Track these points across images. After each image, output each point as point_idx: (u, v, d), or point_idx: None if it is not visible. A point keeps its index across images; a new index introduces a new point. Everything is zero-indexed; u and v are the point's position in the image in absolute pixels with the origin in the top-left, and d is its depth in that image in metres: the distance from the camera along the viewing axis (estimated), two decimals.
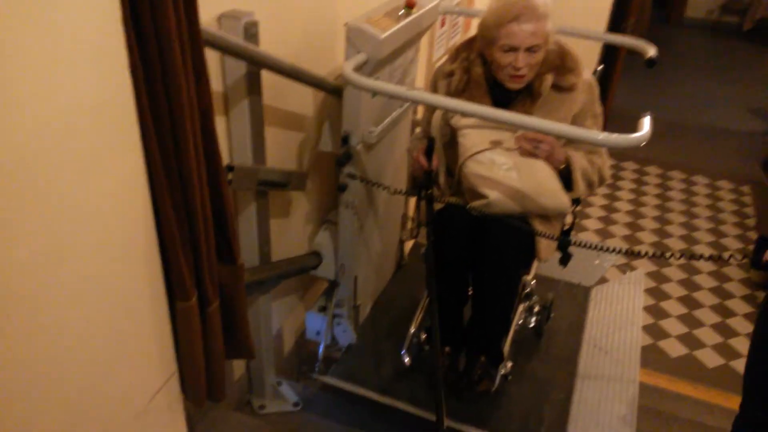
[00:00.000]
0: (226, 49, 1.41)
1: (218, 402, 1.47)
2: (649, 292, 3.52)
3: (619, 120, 5.41)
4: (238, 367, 2.12)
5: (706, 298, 3.60)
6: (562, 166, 1.90)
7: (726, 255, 1.55)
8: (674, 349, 3.21)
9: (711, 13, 8.34)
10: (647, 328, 3.27)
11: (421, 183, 1.92)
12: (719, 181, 4.91)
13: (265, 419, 2.15)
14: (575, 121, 1.93)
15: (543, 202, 1.84)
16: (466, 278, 1.98)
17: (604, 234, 4.15)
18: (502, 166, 1.83)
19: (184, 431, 1.42)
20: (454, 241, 1.87)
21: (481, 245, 1.86)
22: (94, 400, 1.11)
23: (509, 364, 2.08)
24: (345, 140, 1.89)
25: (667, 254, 1.66)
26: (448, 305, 1.99)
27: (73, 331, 1.02)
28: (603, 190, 4.65)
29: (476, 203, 1.84)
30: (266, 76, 1.64)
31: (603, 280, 2.86)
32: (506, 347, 2.02)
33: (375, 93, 1.85)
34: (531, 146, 1.85)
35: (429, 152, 1.89)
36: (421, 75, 2.52)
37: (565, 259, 2.06)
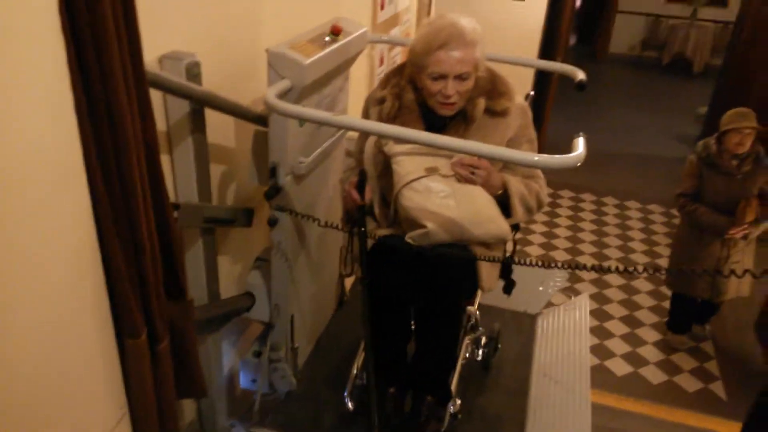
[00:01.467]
0: (169, 89, 1.42)
1: None
2: (593, 313, 3.49)
3: (554, 149, 5.48)
4: (189, 409, 1.98)
5: (646, 317, 3.60)
6: (500, 192, 1.80)
7: (640, 268, 1.52)
8: (620, 368, 3.20)
9: (633, 48, 8.67)
10: (593, 349, 3.25)
11: (354, 218, 1.79)
12: (650, 205, 4.98)
13: None
14: (510, 145, 1.84)
15: (482, 229, 1.72)
16: (407, 313, 1.83)
17: (545, 260, 4.10)
18: (439, 193, 1.71)
19: None
20: (392, 274, 1.72)
21: (422, 277, 1.72)
22: None
23: (458, 402, 1.94)
24: (273, 172, 1.74)
25: (605, 265, 1.57)
26: (390, 343, 1.84)
27: (22, 372, 0.99)
28: (542, 217, 4.64)
29: (414, 233, 1.71)
30: (210, 113, 1.62)
31: (549, 305, 2.77)
32: (454, 383, 1.88)
33: (302, 120, 1.73)
34: (467, 172, 1.75)
35: (362, 185, 1.76)
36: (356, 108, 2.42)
37: (508, 287, 1.95)
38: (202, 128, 1.63)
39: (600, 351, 3.29)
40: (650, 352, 3.33)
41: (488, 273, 1.78)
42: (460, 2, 3.89)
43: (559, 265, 1.62)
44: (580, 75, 1.94)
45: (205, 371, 1.82)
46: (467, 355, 2.01)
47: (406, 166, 1.73)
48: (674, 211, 4.68)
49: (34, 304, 1.00)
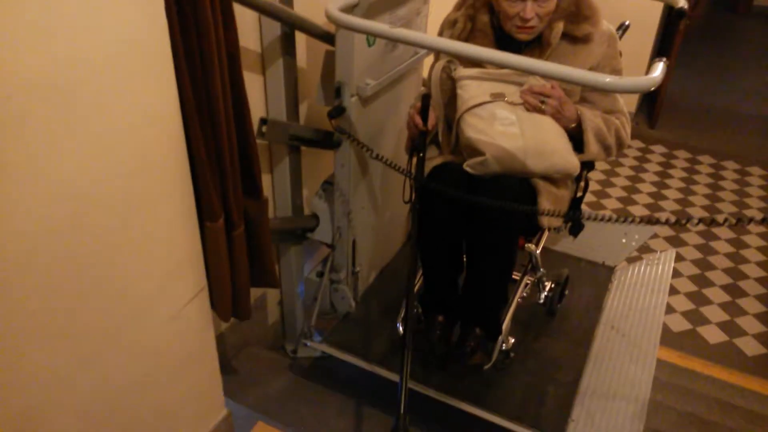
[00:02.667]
0: (255, 7, 1.49)
1: (243, 320, 1.59)
2: (692, 278, 3.23)
3: (673, 107, 5.04)
4: (272, 313, 2.25)
5: (751, 287, 3.28)
6: (573, 125, 1.67)
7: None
8: (713, 335, 2.94)
9: None
10: (686, 314, 3.01)
11: (416, 144, 1.73)
12: None
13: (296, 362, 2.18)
14: None
15: (547, 161, 1.61)
16: (460, 243, 1.76)
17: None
18: (503, 120, 1.61)
19: (212, 338, 1.50)
20: (445, 202, 1.66)
21: (477, 208, 1.64)
22: (136, 302, 1.22)
23: (511, 340, 1.87)
24: (338, 92, 1.71)
25: (683, 221, 1.40)
26: (440, 271, 1.79)
27: (121, 243, 1.13)
28: (652, 177, 4.30)
29: (472, 161, 1.63)
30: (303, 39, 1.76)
31: (633, 260, 2.58)
32: (506, 321, 1.81)
33: (370, 39, 1.68)
34: (537, 100, 1.63)
35: (425, 110, 1.70)
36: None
37: (575, 229, 1.83)
38: (292, 51, 1.72)
39: (694, 316, 3.05)
40: (750, 324, 3.04)
41: (551, 206, 1.67)
42: None
43: (637, 219, 1.47)
44: (681, 2, 1.73)
45: (285, 279, 2.12)
46: (524, 295, 1.92)
47: (471, 90, 1.64)
48: None
49: (130, 181, 1.10)
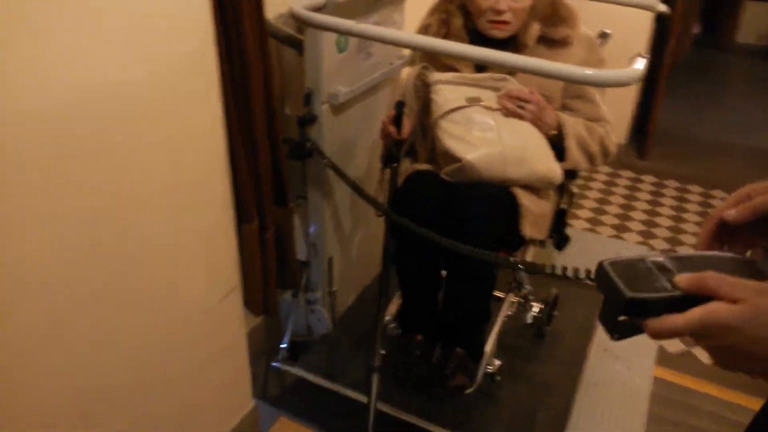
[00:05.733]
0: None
1: (271, 317, 1.69)
2: None
3: (663, 141, 4.95)
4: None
5: None
6: (554, 132, 1.55)
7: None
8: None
9: (762, 38, 7.70)
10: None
11: (389, 154, 1.61)
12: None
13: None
14: (569, 84, 1.58)
15: (528, 167, 1.48)
16: (437, 256, 1.60)
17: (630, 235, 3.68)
18: (481, 125, 1.49)
19: (243, 332, 1.55)
20: (421, 212, 1.51)
21: (452, 217, 1.50)
22: (180, 296, 1.29)
23: (496, 362, 1.70)
24: (307, 99, 1.60)
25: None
26: (417, 289, 1.63)
27: (164, 239, 1.20)
28: (643, 205, 4.17)
29: (449, 168, 1.50)
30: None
31: None
32: (490, 342, 1.64)
33: (340, 45, 1.57)
34: (515, 105, 1.51)
35: (399, 118, 1.58)
36: None
37: (560, 242, 1.68)
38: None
39: (689, 338, 2.87)
40: None
41: (533, 220, 1.53)
42: None
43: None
44: (661, 7, 1.64)
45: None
46: (509, 313, 1.76)
47: (446, 94, 1.52)
48: None
49: (178, 184, 1.20)
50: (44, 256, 0.96)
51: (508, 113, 1.51)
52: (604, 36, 1.78)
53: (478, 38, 1.57)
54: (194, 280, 1.32)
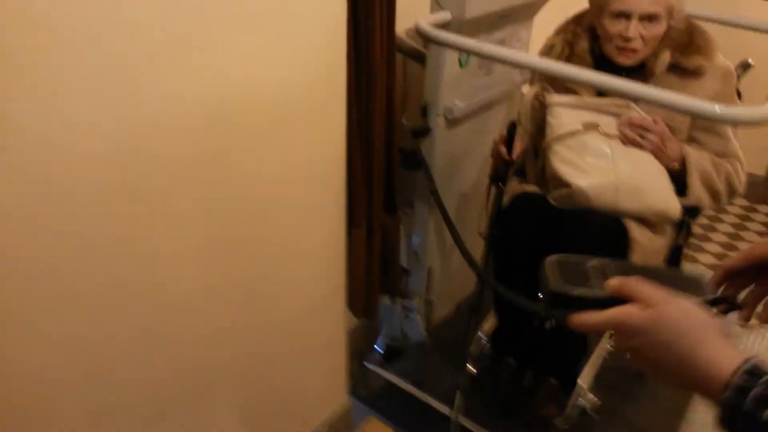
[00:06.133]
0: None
1: (371, 319, 1.76)
2: None
3: None
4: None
5: None
6: (676, 164, 1.47)
7: None
8: None
9: None
10: None
11: (498, 173, 1.60)
12: None
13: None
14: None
15: (643, 200, 1.42)
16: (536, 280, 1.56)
17: None
18: (595, 152, 1.44)
19: (344, 329, 1.63)
20: (524, 235, 1.49)
21: (557, 242, 1.47)
22: (295, 288, 1.40)
23: (591, 397, 1.63)
24: (424, 111, 1.63)
25: None
26: (513, 311, 1.61)
27: (290, 237, 1.32)
28: (753, 237, 3.79)
29: (557, 192, 1.47)
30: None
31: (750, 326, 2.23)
32: (585, 374, 1.58)
33: (462, 61, 1.58)
34: (636, 134, 1.45)
35: (511, 140, 1.56)
36: None
37: None
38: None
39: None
40: None
41: (644, 256, 1.46)
42: None
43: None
44: None
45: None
46: (609, 348, 1.68)
47: (562, 118, 1.49)
48: None
49: (308, 191, 1.31)
50: (194, 248, 1.10)
51: (627, 142, 1.45)
52: (745, 67, 1.65)
53: (603, 63, 1.52)
54: (308, 278, 1.42)
